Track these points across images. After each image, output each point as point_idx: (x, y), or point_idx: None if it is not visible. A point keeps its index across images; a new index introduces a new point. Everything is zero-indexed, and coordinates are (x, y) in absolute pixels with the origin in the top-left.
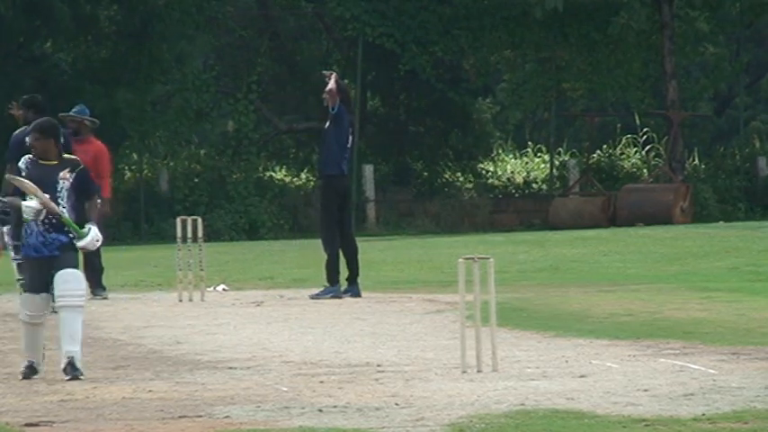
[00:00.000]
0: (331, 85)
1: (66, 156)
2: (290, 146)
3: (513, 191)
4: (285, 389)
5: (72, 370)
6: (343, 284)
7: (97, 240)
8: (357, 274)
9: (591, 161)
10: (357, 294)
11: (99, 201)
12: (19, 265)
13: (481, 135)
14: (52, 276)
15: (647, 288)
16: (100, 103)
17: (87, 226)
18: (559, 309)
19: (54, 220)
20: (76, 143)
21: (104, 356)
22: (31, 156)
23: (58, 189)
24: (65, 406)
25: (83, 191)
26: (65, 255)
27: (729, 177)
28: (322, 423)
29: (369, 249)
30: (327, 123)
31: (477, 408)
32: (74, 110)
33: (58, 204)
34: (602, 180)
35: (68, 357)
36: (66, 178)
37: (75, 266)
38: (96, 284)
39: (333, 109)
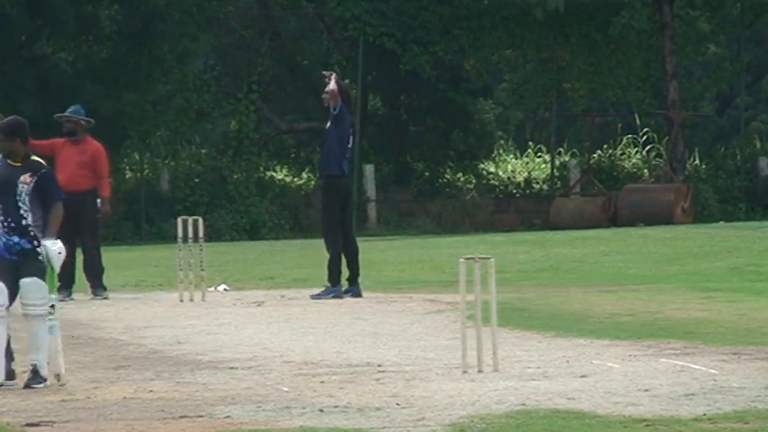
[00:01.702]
0: (332, 85)
1: (33, 158)
2: (290, 146)
3: (514, 191)
4: (286, 389)
5: (32, 379)
6: (344, 285)
7: (59, 253)
8: (358, 275)
9: (591, 161)
10: (358, 294)
11: (98, 200)
12: None
13: (482, 135)
14: (17, 278)
15: (648, 288)
16: (101, 102)
17: (49, 242)
18: (560, 309)
19: (14, 224)
20: (73, 143)
21: (105, 356)
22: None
23: (18, 192)
24: (66, 406)
25: (43, 196)
26: (26, 262)
27: (730, 177)
28: (323, 423)
29: (369, 249)
30: (328, 123)
31: (478, 408)
32: (69, 110)
33: (18, 209)
34: (603, 180)
35: (31, 365)
36: (26, 182)
37: (37, 274)
38: (97, 285)
39: (334, 109)
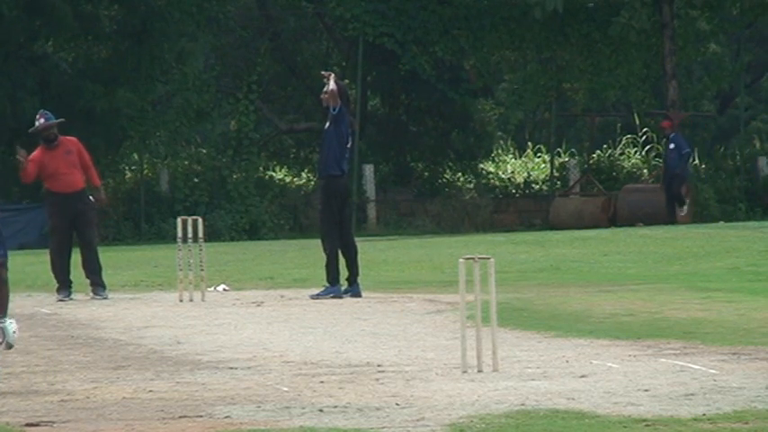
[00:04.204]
0: (332, 85)
1: None
2: (290, 146)
3: (514, 191)
4: (286, 389)
5: None
6: (344, 285)
7: (14, 332)
8: (357, 274)
9: (591, 161)
10: (358, 294)
11: (91, 197)
12: None
13: (482, 135)
14: None
15: (648, 288)
16: (100, 102)
17: (6, 322)
18: (560, 309)
19: None
20: (53, 148)
21: (105, 356)
22: None
23: None
24: (65, 406)
25: None
26: None
27: (730, 177)
28: (323, 423)
29: (369, 249)
30: (327, 124)
31: (478, 408)
32: (42, 119)
33: None
34: (603, 180)
35: None
36: None
37: None
38: (97, 283)
39: (334, 110)
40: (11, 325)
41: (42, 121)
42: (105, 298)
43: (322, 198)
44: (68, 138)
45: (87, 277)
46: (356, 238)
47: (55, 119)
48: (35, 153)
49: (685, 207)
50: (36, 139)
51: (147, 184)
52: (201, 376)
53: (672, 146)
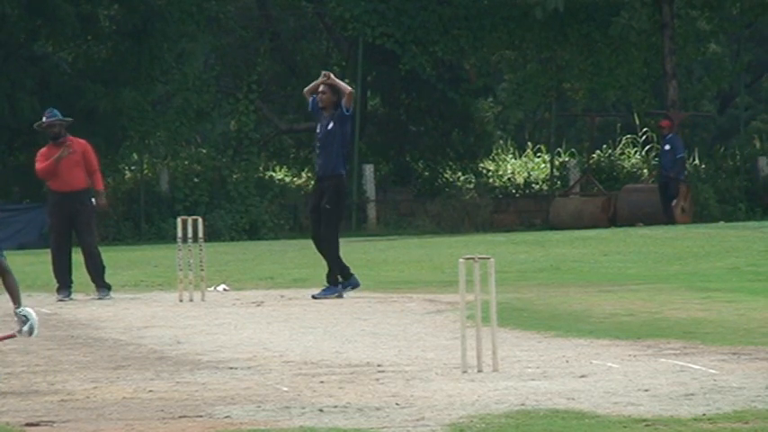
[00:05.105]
0: (345, 87)
1: None
2: (290, 146)
3: (514, 191)
4: (286, 389)
5: None
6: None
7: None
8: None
9: (591, 161)
10: (356, 285)
11: (93, 199)
12: None
13: (482, 135)
14: None
15: (648, 288)
16: (100, 102)
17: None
18: (560, 309)
19: None
20: (59, 146)
21: (105, 356)
22: None
23: None
24: (65, 406)
25: None
26: None
27: (730, 177)
28: (323, 423)
29: (369, 249)
30: (331, 124)
31: (478, 408)
32: (47, 116)
33: None
34: (603, 180)
35: None
36: None
37: None
38: (101, 284)
39: (347, 111)
40: (31, 312)
41: (45, 118)
42: (110, 298)
43: (335, 198)
44: (78, 139)
45: (92, 281)
46: (356, 238)
47: (62, 117)
48: (42, 150)
49: (674, 201)
50: (35, 137)
51: (147, 184)
52: (201, 376)
53: (667, 147)
